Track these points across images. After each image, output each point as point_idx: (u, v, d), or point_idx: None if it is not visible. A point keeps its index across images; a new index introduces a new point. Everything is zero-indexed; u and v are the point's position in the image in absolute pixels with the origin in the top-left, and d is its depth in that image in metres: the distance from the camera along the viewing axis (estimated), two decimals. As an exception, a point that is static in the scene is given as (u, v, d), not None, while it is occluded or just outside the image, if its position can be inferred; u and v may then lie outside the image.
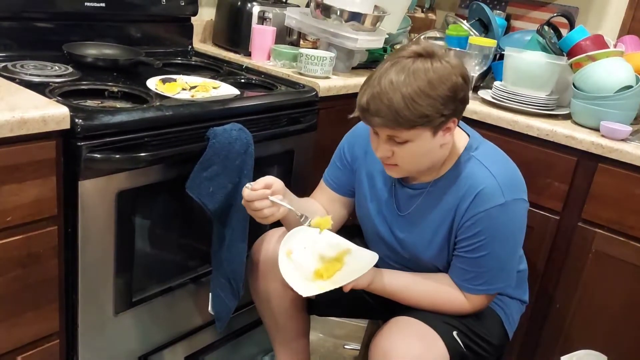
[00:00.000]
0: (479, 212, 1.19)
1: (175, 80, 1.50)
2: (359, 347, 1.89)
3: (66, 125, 1.13)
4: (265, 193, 1.19)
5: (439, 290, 1.27)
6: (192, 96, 1.43)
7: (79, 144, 1.15)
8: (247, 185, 1.20)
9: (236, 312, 1.60)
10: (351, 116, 1.19)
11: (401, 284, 1.27)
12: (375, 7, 1.88)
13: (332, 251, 1.25)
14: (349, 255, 1.25)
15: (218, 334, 1.66)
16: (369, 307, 1.44)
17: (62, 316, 1.28)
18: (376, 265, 1.22)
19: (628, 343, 1.58)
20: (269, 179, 1.22)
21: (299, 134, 1.64)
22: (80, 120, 1.14)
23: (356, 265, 1.21)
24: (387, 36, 1.96)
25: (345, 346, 1.97)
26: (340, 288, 1.18)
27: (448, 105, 1.10)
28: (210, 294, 1.51)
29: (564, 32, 1.84)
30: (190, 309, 1.57)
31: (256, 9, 1.92)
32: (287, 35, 2.02)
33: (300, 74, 1.77)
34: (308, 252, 1.24)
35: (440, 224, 1.26)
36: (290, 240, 1.24)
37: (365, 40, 1.82)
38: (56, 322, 1.27)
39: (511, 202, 1.19)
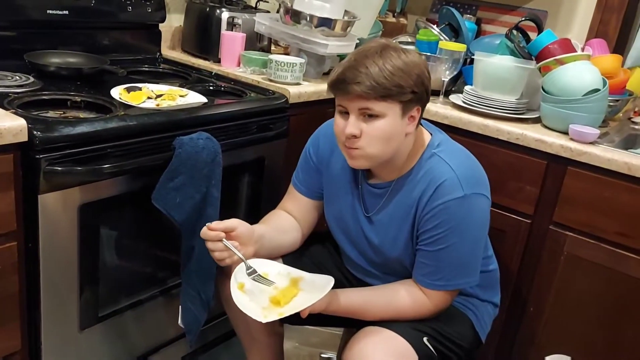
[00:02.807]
0: (438, 204, 1.20)
1: (140, 88, 1.47)
2: (335, 355, 1.88)
3: (24, 137, 1.10)
4: (220, 235, 1.17)
5: (396, 298, 1.26)
6: (158, 105, 1.41)
7: (38, 156, 1.11)
8: (207, 223, 1.18)
9: (208, 324, 1.57)
10: (326, 93, 1.20)
11: (359, 301, 1.27)
12: (346, 12, 1.87)
13: (284, 280, 1.23)
14: (302, 282, 1.23)
15: (190, 347, 1.63)
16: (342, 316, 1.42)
17: (24, 334, 1.24)
18: (342, 273, 1.20)
19: (601, 345, 1.59)
20: (233, 222, 1.20)
21: (269, 141, 1.62)
22: (39, 132, 1.11)
23: (312, 288, 1.19)
24: (357, 41, 1.95)
25: (322, 354, 1.95)
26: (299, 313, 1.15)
27: (418, 86, 1.15)
28: (180, 306, 1.48)
29: (532, 36, 1.85)
30: (160, 322, 1.54)
31: (225, 15, 1.90)
32: (257, 41, 2.00)
33: (271, 80, 1.75)
34: (260, 283, 1.21)
35: (403, 221, 1.26)
36: (241, 274, 1.20)
37: (335, 46, 1.81)
38: (18, 341, 1.23)
39: (470, 196, 1.20)
